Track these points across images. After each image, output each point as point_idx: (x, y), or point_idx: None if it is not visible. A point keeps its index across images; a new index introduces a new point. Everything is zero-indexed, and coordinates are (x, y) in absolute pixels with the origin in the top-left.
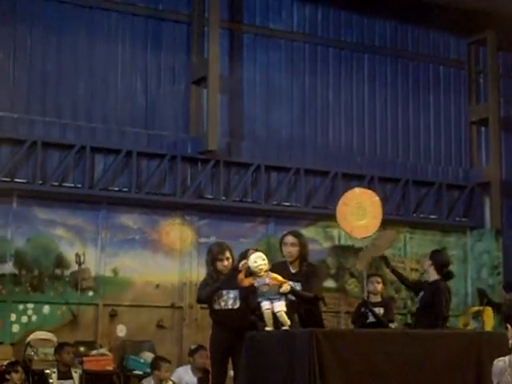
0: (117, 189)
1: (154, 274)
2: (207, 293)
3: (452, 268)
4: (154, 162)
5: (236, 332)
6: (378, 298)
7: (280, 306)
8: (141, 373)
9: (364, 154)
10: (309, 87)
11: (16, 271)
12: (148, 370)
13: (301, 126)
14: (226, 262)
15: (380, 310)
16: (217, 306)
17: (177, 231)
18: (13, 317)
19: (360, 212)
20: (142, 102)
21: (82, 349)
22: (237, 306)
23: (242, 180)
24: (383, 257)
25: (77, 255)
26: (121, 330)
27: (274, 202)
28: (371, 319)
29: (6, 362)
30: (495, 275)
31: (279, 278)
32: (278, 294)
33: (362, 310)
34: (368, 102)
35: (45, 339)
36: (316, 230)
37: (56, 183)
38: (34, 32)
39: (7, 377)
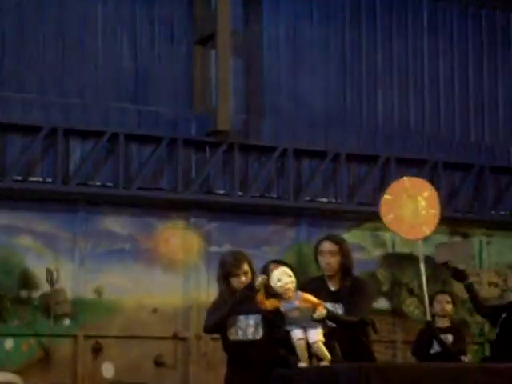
0: (99, 184)
1: (149, 294)
2: (216, 319)
3: None
4: (148, 147)
5: (259, 370)
6: (447, 323)
7: (316, 336)
8: None
9: (424, 133)
10: (350, 45)
11: None
12: None
13: (340, 98)
14: (243, 278)
15: (448, 338)
16: (233, 337)
17: (179, 238)
18: None
19: (412, 206)
20: (130, 70)
21: None
22: (259, 335)
23: (264, 169)
24: (457, 268)
25: (48, 272)
26: (107, 370)
27: (307, 198)
28: (436, 349)
29: None
30: None
31: (312, 298)
32: (312, 321)
33: (425, 338)
34: (428, 64)
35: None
36: (362, 233)
37: (18, 177)
38: None
39: None
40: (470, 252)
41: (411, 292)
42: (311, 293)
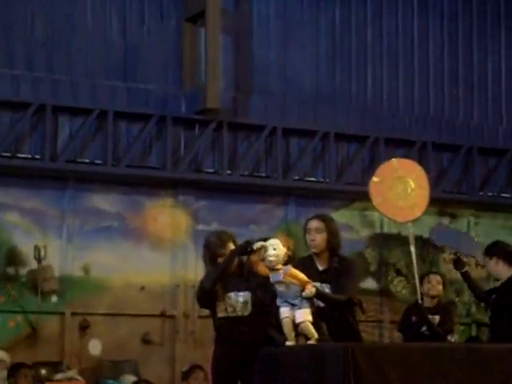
0: (87, 161)
1: (137, 272)
2: (212, 279)
3: None
4: (137, 125)
5: (247, 347)
6: (434, 303)
7: (303, 316)
8: None
9: (413, 113)
10: (340, 24)
11: None
12: None
13: (329, 76)
14: None
15: (435, 318)
16: (221, 313)
17: (167, 216)
18: None
19: (401, 187)
20: (119, 46)
21: (43, 371)
22: (247, 312)
23: (253, 148)
24: (460, 259)
25: (36, 249)
26: (94, 347)
27: (295, 177)
28: (424, 329)
29: None
30: None
31: (299, 275)
32: (299, 298)
33: (413, 318)
34: (418, 42)
35: None
36: (351, 213)
37: (7, 154)
38: None
39: None
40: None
41: (399, 272)
42: (300, 269)
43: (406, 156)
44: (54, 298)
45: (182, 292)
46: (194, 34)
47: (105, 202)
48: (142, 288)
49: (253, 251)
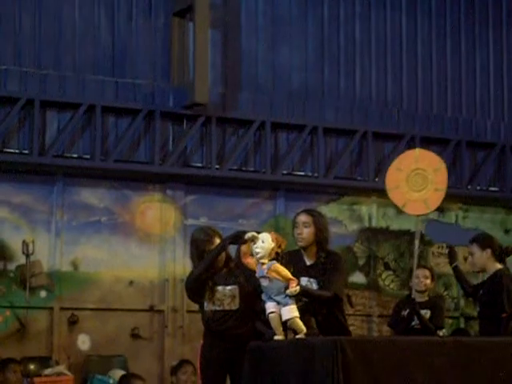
0: (76, 156)
1: (126, 267)
2: (203, 267)
3: None
4: (125, 119)
5: (235, 341)
6: (425, 297)
7: (289, 313)
8: None
9: (402, 107)
10: (328, 18)
11: None
12: None
13: (318, 71)
14: None
15: (426, 313)
16: (209, 307)
17: (156, 211)
18: None
19: (419, 180)
20: (107, 41)
21: (32, 367)
22: (235, 306)
23: (242, 142)
24: (455, 251)
25: (24, 243)
26: (83, 342)
27: (284, 172)
28: (416, 323)
29: None
30: None
31: (283, 271)
32: (282, 294)
33: (403, 313)
34: (407, 38)
35: None
36: (339, 207)
37: None
38: None
39: None
40: None
41: (387, 266)
42: (287, 266)
43: (394, 150)
44: (43, 293)
45: (171, 286)
46: (183, 29)
47: (93, 196)
48: (131, 283)
49: (244, 240)
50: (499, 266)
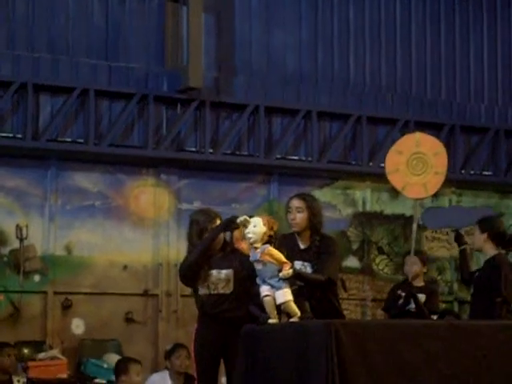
0: (69, 140)
1: (119, 251)
2: (198, 252)
3: None
4: (118, 103)
5: (229, 325)
6: (421, 282)
7: (283, 296)
8: (104, 381)
9: (396, 92)
10: (322, 1)
11: None
12: (113, 378)
13: (312, 55)
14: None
15: (421, 298)
16: (203, 291)
17: (149, 195)
18: None
19: (419, 164)
20: (100, 24)
21: (26, 351)
22: (230, 290)
23: (235, 127)
24: (461, 234)
25: (17, 228)
26: (77, 326)
27: (278, 156)
28: (411, 307)
29: None
30: None
31: (277, 254)
32: (276, 277)
33: (399, 292)
34: (401, 22)
35: None
36: (333, 192)
37: None
38: None
39: None
40: None
41: (381, 250)
42: (281, 249)
43: (388, 134)
44: (37, 278)
45: (165, 271)
46: (176, 13)
47: (87, 180)
48: (125, 267)
49: (237, 226)
50: (497, 250)
